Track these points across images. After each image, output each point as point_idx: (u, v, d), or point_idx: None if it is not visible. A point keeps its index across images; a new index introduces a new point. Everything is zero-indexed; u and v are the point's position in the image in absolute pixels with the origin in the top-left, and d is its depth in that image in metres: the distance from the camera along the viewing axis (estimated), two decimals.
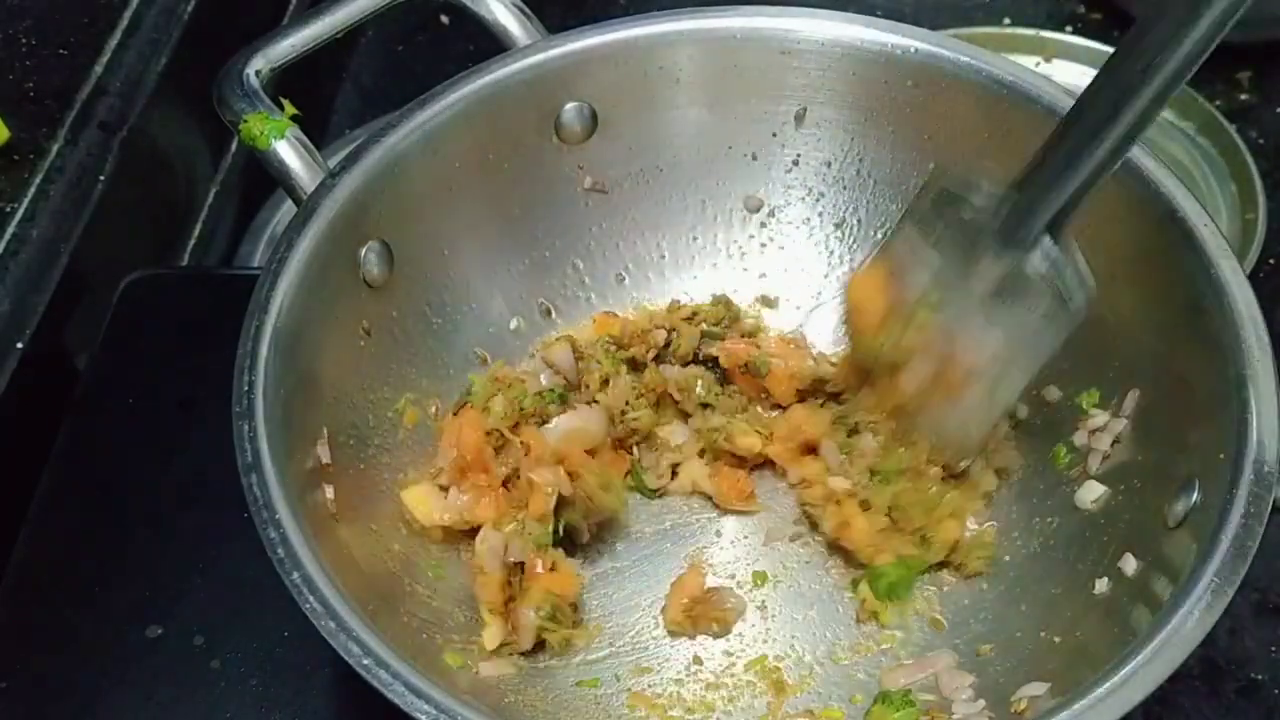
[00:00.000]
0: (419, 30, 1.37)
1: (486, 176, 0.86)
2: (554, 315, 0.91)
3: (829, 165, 0.91)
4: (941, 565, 0.81)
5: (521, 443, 0.80)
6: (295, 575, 0.63)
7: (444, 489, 0.81)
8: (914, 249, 0.76)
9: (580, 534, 0.81)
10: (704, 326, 0.89)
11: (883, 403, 0.81)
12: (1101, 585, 0.73)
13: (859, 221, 0.91)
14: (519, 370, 0.87)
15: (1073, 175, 0.68)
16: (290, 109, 0.80)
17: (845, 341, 0.84)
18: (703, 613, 0.79)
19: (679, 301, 0.91)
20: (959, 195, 0.74)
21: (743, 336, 0.89)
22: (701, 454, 0.86)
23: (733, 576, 0.82)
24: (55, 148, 0.97)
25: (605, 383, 0.86)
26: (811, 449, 0.83)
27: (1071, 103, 0.80)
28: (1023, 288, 0.72)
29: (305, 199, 0.78)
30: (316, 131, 1.25)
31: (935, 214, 0.75)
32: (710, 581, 0.81)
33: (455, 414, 0.83)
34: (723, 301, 0.91)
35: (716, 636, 0.79)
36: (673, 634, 0.79)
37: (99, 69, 1.03)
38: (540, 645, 0.77)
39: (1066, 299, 0.71)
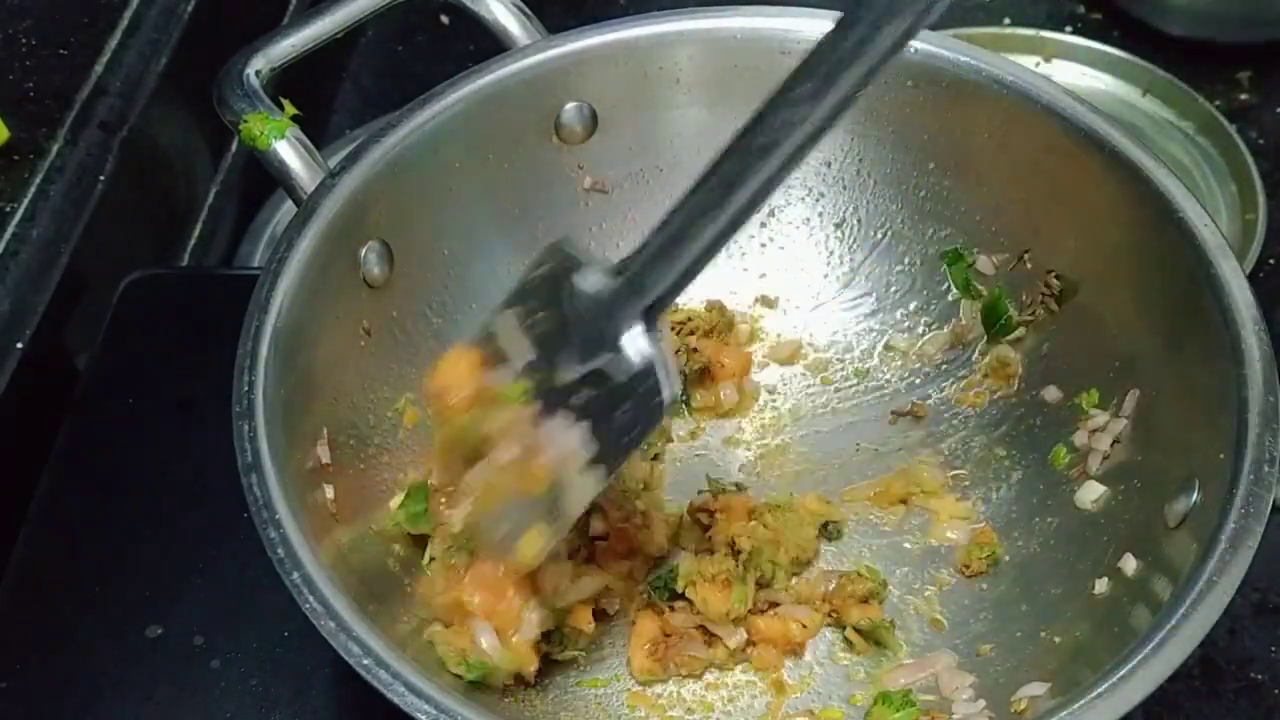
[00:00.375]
0: (419, 30, 1.37)
1: (486, 176, 0.86)
2: None
3: (829, 165, 0.91)
4: (940, 565, 0.81)
5: None
6: (295, 575, 0.63)
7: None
8: (511, 334, 0.70)
9: None
10: (693, 339, 0.88)
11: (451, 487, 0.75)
12: (1101, 585, 0.73)
13: (859, 221, 0.91)
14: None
15: (673, 261, 0.64)
16: (290, 109, 0.80)
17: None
18: (673, 657, 0.77)
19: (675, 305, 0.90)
20: (561, 278, 0.68)
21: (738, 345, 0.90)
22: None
23: None
24: (55, 148, 0.97)
25: None
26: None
27: (1072, 102, 0.81)
28: (612, 382, 0.66)
29: (305, 199, 0.78)
30: (316, 131, 1.25)
31: (536, 298, 0.69)
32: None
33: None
34: (716, 307, 0.90)
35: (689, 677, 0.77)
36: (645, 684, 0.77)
37: (99, 69, 1.03)
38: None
39: (656, 394, 0.66)
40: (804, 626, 0.78)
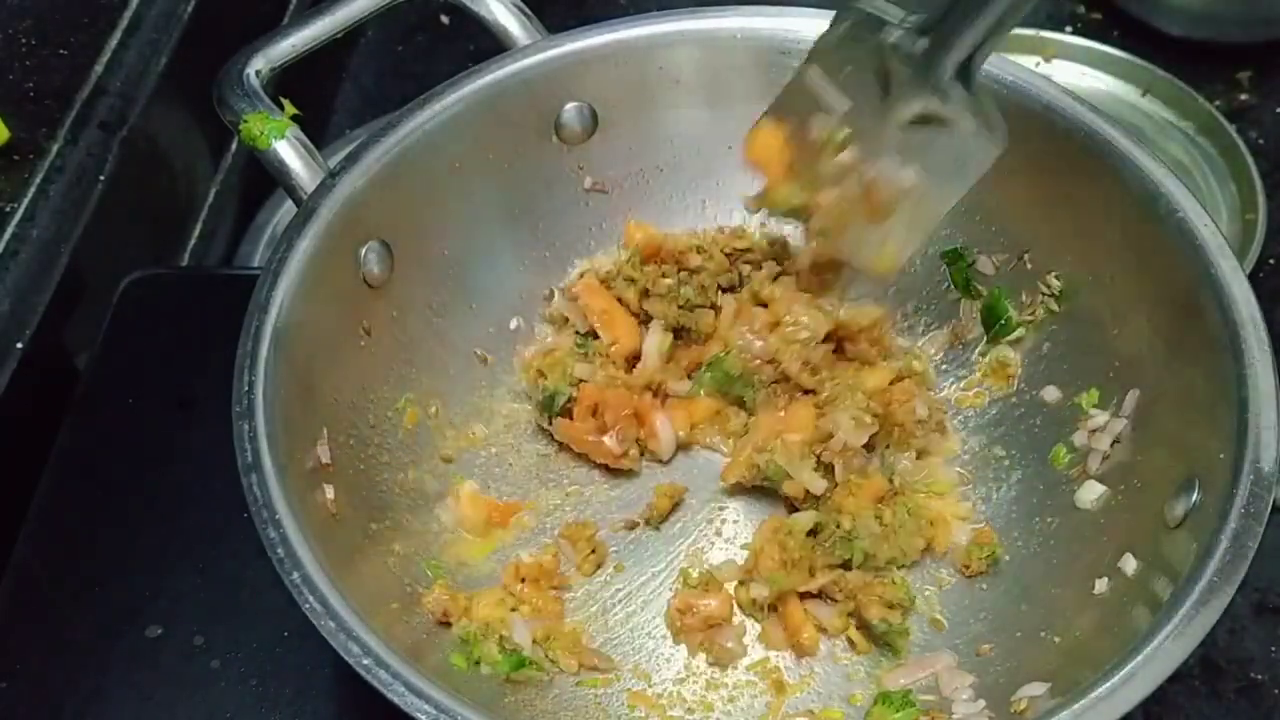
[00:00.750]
0: (419, 30, 1.37)
1: (487, 176, 0.86)
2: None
3: None
4: (940, 565, 0.81)
5: None
6: (295, 575, 0.63)
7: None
8: (818, 92, 0.75)
9: None
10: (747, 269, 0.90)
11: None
12: (1101, 585, 0.73)
13: None
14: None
15: (983, 14, 0.68)
16: (290, 109, 0.80)
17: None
18: (706, 639, 0.78)
19: (744, 227, 0.91)
20: (871, 30, 0.73)
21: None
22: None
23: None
24: (55, 148, 0.97)
25: (645, 294, 0.87)
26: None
27: (1072, 102, 0.80)
28: (941, 119, 0.71)
29: (305, 199, 0.78)
30: (316, 131, 1.25)
31: (844, 53, 0.74)
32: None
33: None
34: (779, 243, 0.90)
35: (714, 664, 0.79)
36: (674, 639, 0.79)
37: (99, 69, 1.03)
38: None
39: (990, 127, 0.71)
40: (823, 630, 0.78)
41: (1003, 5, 0.68)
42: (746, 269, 0.90)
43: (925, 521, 0.81)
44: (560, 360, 0.86)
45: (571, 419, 0.84)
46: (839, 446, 0.81)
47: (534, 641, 0.76)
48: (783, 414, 0.84)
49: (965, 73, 0.70)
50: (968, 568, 0.80)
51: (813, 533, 0.79)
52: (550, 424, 0.85)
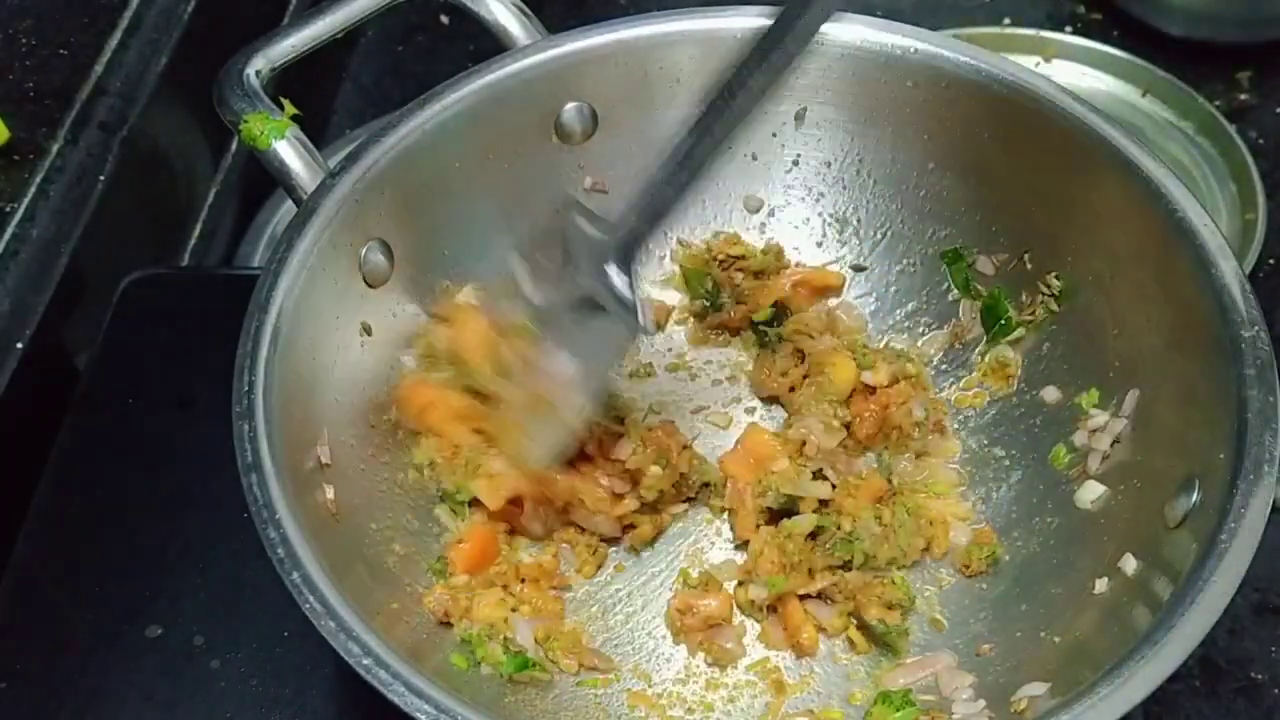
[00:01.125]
0: (419, 30, 1.37)
1: (487, 176, 0.86)
2: None
3: (829, 165, 0.91)
4: (940, 565, 0.81)
5: None
6: (295, 575, 0.63)
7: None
8: (521, 276, 0.80)
9: None
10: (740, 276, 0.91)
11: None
12: (1101, 585, 0.73)
13: (859, 221, 0.91)
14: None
15: (645, 210, 0.74)
16: (290, 109, 0.80)
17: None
18: (706, 639, 0.78)
19: (738, 235, 0.92)
20: (565, 226, 0.78)
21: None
22: None
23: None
24: (55, 148, 0.97)
25: None
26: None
27: (1071, 102, 0.80)
28: (595, 307, 0.76)
29: (305, 199, 0.78)
30: (316, 131, 1.25)
31: (542, 244, 0.80)
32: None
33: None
34: (774, 251, 0.91)
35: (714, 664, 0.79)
36: (674, 638, 0.79)
37: (99, 69, 1.03)
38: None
39: (630, 313, 0.75)
40: (823, 630, 0.79)
41: (659, 203, 0.74)
42: (739, 276, 0.90)
43: (925, 522, 0.81)
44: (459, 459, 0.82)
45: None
46: (814, 452, 0.81)
47: (535, 642, 0.76)
48: (741, 448, 0.84)
49: (624, 255, 0.75)
50: (968, 567, 0.80)
51: (813, 534, 0.79)
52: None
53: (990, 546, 0.80)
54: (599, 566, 0.82)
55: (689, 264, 0.92)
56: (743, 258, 0.91)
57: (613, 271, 0.74)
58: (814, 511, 0.80)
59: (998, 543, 0.81)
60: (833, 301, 0.91)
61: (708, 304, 0.91)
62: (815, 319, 0.89)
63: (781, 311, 0.90)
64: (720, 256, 0.91)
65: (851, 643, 0.78)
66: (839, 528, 0.79)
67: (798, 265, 0.92)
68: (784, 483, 0.81)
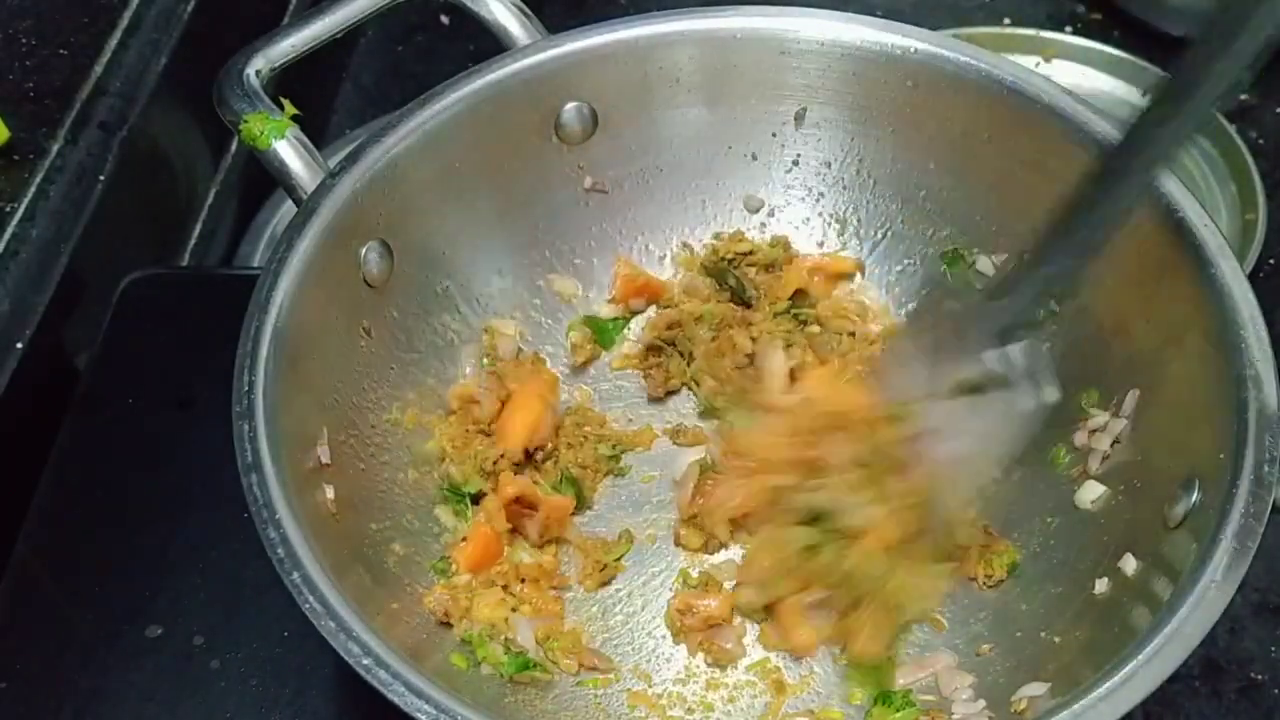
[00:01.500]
0: (419, 30, 1.37)
1: (486, 176, 0.86)
2: (555, 313, 0.91)
3: (829, 165, 0.91)
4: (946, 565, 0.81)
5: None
6: (295, 575, 0.63)
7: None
8: (901, 357, 0.79)
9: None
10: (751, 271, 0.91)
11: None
12: (1101, 585, 0.73)
13: (859, 221, 0.91)
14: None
15: (1034, 280, 0.71)
16: (290, 109, 0.80)
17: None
18: (705, 640, 0.78)
19: (742, 231, 0.92)
20: (945, 303, 0.77)
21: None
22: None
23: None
24: (55, 148, 0.97)
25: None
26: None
27: (1071, 102, 0.80)
28: (993, 385, 0.73)
29: (305, 199, 0.78)
30: (316, 131, 1.25)
31: (923, 323, 0.79)
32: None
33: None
34: (781, 244, 0.91)
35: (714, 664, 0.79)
36: (674, 639, 0.79)
37: (99, 69, 1.03)
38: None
39: (1038, 390, 0.72)
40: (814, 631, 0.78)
41: (1044, 275, 0.70)
42: (751, 271, 0.90)
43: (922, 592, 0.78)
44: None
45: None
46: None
47: (535, 642, 0.76)
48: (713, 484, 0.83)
49: (1018, 332, 0.72)
50: (989, 577, 0.79)
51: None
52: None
53: (1012, 554, 0.79)
54: (602, 584, 0.82)
55: (709, 263, 0.91)
56: (750, 253, 0.91)
57: (1012, 348, 0.72)
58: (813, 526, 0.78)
59: (1015, 549, 0.80)
60: (853, 285, 0.91)
61: (737, 300, 0.91)
62: (849, 302, 0.90)
63: (800, 300, 0.90)
64: (728, 255, 0.90)
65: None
66: (841, 561, 0.76)
67: (805, 255, 0.92)
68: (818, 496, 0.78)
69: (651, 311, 0.92)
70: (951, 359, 0.74)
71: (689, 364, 0.89)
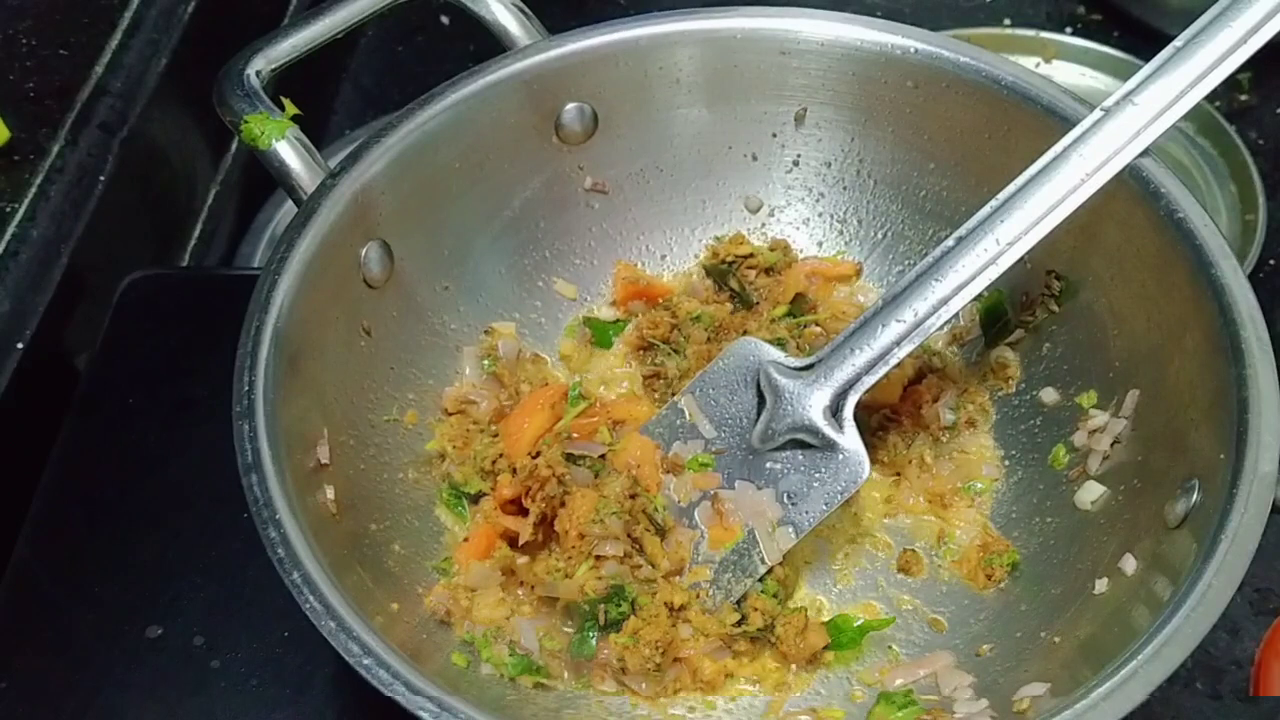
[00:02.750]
0: (419, 30, 1.37)
1: (487, 176, 0.86)
2: (555, 314, 0.91)
3: (829, 165, 0.91)
4: (941, 564, 0.81)
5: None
6: (295, 575, 0.63)
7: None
8: (694, 414, 0.81)
9: None
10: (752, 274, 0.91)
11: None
12: (1101, 585, 0.73)
13: (859, 221, 0.91)
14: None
15: (854, 356, 0.76)
16: (290, 109, 0.80)
17: None
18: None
19: (742, 235, 0.92)
20: (745, 369, 0.80)
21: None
22: None
23: None
24: (55, 148, 0.97)
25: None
26: None
27: (1071, 102, 0.80)
28: (803, 455, 0.78)
29: (305, 199, 0.78)
30: (316, 131, 1.25)
31: (715, 385, 0.81)
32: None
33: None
34: (781, 248, 0.91)
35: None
36: None
37: (99, 69, 1.03)
38: None
39: (855, 462, 0.77)
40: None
41: (874, 349, 0.76)
42: (751, 274, 0.90)
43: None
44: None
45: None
46: None
47: (538, 643, 0.76)
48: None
49: (838, 410, 0.77)
50: (990, 577, 0.79)
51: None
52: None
53: (1010, 554, 0.79)
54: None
55: (709, 266, 0.91)
56: (751, 256, 0.91)
57: (834, 419, 0.76)
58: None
59: (1015, 548, 0.80)
60: (852, 286, 0.91)
61: (738, 303, 0.91)
62: (848, 304, 0.90)
63: (800, 304, 0.90)
64: (728, 258, 0.90)
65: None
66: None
67: (806, 259, 0.92)
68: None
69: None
70: (778, 422, 0.77)
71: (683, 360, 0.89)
